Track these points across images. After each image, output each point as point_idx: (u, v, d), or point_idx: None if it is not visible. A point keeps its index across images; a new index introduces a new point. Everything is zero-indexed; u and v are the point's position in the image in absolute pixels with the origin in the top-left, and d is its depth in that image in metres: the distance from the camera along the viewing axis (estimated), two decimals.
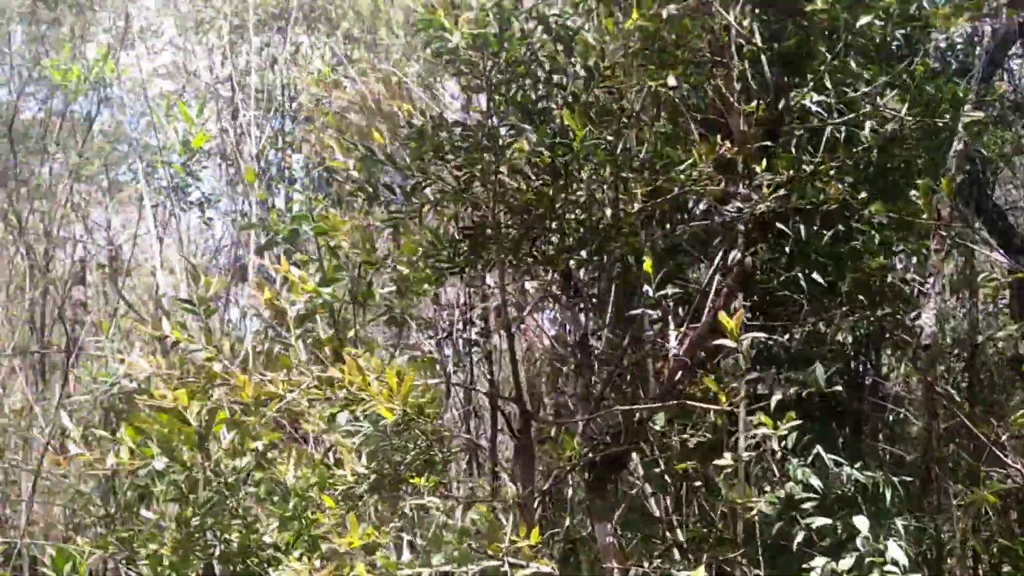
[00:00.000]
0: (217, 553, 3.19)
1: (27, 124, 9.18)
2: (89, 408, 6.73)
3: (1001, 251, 4.72)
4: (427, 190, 3.51)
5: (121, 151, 8.99)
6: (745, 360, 2.78)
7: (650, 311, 3.12)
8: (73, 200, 8.27)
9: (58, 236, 8.04)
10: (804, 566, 2.99)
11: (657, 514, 4.09)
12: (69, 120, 8.15)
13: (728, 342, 2.74)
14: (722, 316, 2.72)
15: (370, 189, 3.52)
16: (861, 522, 2.90)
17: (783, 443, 2.76)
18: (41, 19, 7.76)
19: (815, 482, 3.00)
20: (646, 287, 3.12)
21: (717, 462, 2.84)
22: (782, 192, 3.20)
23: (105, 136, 8.46)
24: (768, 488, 2.99)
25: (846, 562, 2.91)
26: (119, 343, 7.31)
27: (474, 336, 4.85)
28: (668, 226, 3.63)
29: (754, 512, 2.91)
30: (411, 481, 3.08)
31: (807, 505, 2.87)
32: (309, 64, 7.67)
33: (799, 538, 2.92)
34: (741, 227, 3.25)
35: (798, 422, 2.74)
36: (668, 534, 3.98)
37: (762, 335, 2.90)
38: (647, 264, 3.08)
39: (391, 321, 5.15)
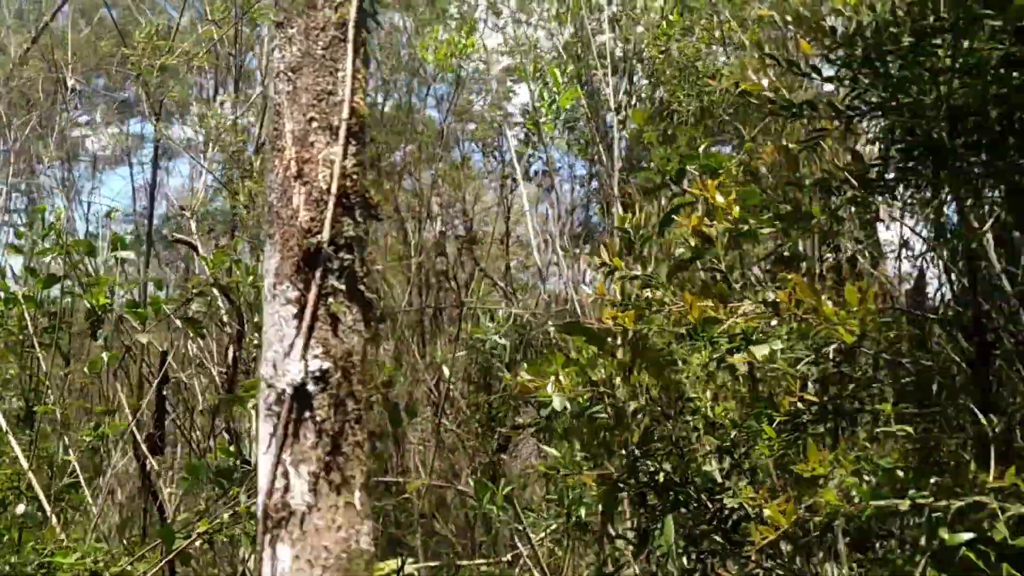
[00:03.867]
0: (660, 480, 3.20)
1: (388, 115, 10.15)
2: (464, 363, 7.30)
3: None
4: (856, 101, 3.24)
5: (469, 128, 9.63)
6: None
7: None
8: (436, 179, 9.01)
9: (424, 211, 8.80)
10: None
11: None
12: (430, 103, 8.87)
13: None
14: None
15: (791, 107, 3.32)
16: None
17: None
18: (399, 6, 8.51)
19: None
20: None
21: None
22: None
23: (457, 115, 9.09)
24: None
25: None
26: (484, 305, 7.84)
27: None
28: None
29: None
30: (869, 409, 2.86)
31: None
32: (649, 18, 7.61)
33: None
34: None
35: None
36: None
37: None
38: None
39: (779, 260, 4.92)
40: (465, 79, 8.10)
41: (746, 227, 3.33)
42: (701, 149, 4.55)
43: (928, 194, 3.91)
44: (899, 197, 4.25)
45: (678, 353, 3.42)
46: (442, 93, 8.69)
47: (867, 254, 6.78)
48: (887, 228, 5.15)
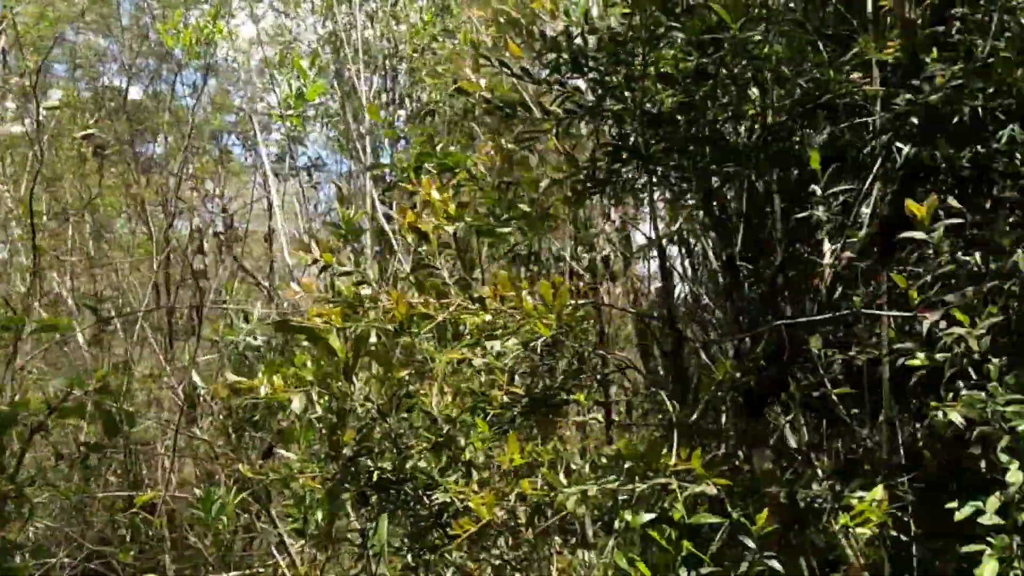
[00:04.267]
0: (374, 480, 3.15)
1: (137, 103, 9.47)
2: (218, 366, 6.93)
3: None
4: (566, 104, 3.37)
5: (228, 120, 9.18)
6: (940, 251, 2.53)
7: (820, 213, 2.91)
8: (187, 171, 8.48)
9: (175, 207, 8.25)
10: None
11: (794, 445, 3.91)
12: (180, 92, 8.36)
13: (917, 233, 2.51)
14: (911, 203, 2.48)
15: (505, 108, 3.40)
16: None
17: (981, 343, 2.50)
18: None
19: None
20: (813, 186, 2.90)
21: (911, 362, 2.60)
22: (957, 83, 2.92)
23: (213, 106, 8.64)
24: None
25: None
26: (241, 304, 7.48)
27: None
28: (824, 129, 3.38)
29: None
30: (571, 399, 2.97)
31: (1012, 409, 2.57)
32: (407, 17, 7.60)
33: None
34: (915, 120, 2.98)
35: (1000, 318, 2.48)
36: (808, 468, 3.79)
37: (959, 219, 2.61)
38: (814, 160, 2.86)
39: (516, 259, 5.04)
40: (215, 67, 7.72)
41: (462, 224, 3.36)
42: (439, 147, 4.58)
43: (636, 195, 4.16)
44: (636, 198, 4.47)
45: (428, 352, 3.41)
46: (196, 82, 8.21)
47: (619, 254, 7.16)
48: (608, 226, 5.43)
